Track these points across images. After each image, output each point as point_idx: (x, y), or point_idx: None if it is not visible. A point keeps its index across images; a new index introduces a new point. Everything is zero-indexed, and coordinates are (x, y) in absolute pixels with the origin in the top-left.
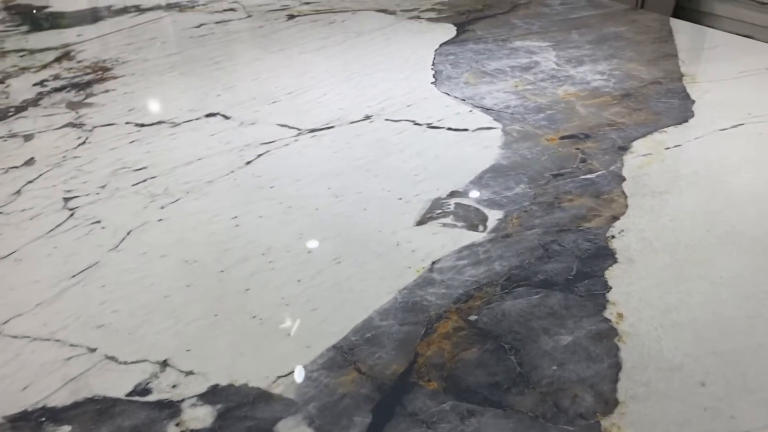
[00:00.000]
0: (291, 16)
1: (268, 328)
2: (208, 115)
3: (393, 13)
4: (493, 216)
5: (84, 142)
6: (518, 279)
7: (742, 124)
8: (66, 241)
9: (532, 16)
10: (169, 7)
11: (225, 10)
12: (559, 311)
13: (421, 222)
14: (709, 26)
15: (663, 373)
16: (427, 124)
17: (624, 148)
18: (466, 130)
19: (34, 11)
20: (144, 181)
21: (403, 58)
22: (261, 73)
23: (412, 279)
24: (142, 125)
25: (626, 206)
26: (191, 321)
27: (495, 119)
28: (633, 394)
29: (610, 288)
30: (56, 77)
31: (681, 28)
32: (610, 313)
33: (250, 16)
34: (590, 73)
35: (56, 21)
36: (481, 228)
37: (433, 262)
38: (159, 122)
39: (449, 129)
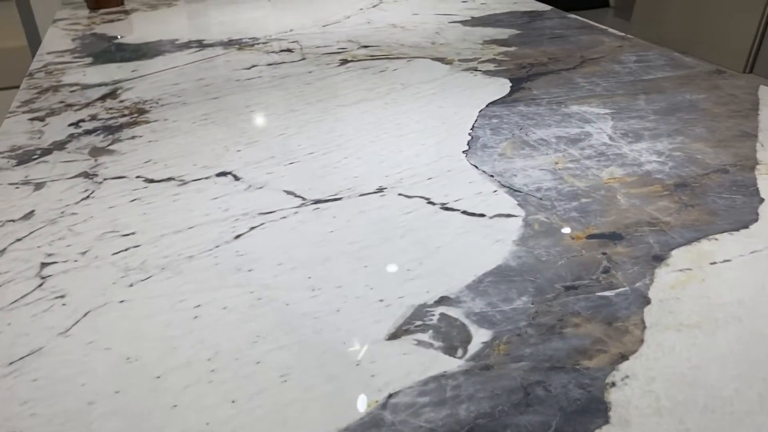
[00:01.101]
0: (344, 61)
1: None
2: (219, 174)
3: (450, 62)
4: (479, 337)
5: (88, 197)
6: None
7: None
8: (23, 317)
9: (599, 75)
10: (229, 44)
11: (282, 51)
12: None
13: (394, 335)
14: None
15: None
16: (442, 204)
17: (660, 258)
18: (482, 215)
19: (106, 42)
20: (126, 250)
21: (443, 118)
22: (290, 127)
23: (358, 417)
24: (151, 181)
25: (641, 341)
26: None
27: (520, 204)
28: None
29: None
30: (93, 118)
31: None
32: None
33: (303, 59)
34: (646, 152)
35: (120, 54)
36: (459, 353)
37: (390, 395)
38: (168, 179)
39: (464, 213)
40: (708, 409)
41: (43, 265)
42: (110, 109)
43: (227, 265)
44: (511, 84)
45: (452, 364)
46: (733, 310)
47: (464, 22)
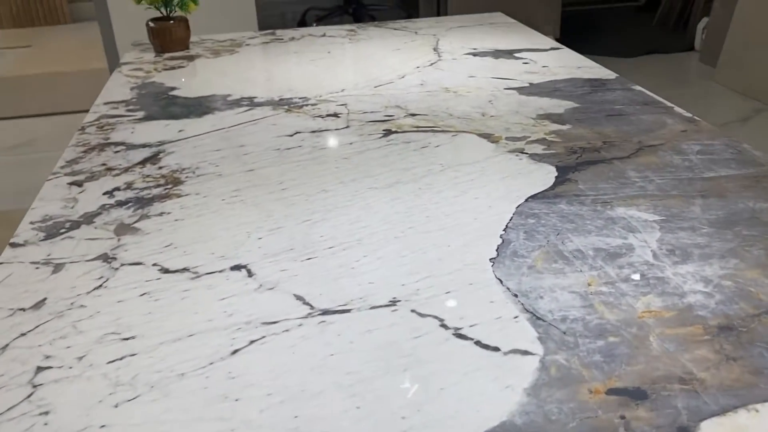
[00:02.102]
0: (387, 132)
1: None
2: (234, 268)
3: (496, 141)
4: None
5: (101, 286)
6: None
7: None
8: None
9: (654, 168)
10: (279, 104)
11: (328, 115)
12: None
13: None
14: None
15: None
16: (456, 329)
17: (684, 430)
18: (497, 350)
19: (161, 94)
20: (121, 359)
21: (476, 213)
22: (316, 212)
23: None
24: (166, 271)
25: None
26: None
27: (540, 337)
28: None
29: None
30: (129, 186)
31: None
32: None
33: (347, 127)
34: (692, 278)
35: (172, 109)
36: None
37: None
38: (183, 269)
39: (477, 344)
40: None
41: (39, 369)
42: (147, 176)
43: (216, 390)
44: (556, 173)
45: None
46: None
47: (520, 89)
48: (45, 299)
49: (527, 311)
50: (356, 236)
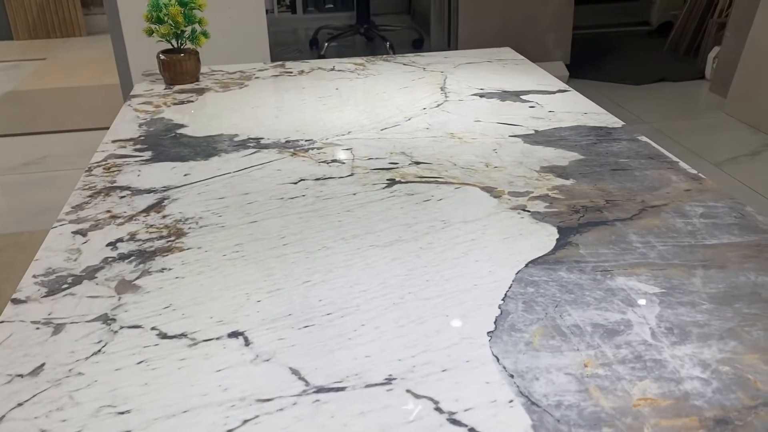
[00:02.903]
0: (391, 182)
1: None
2: (231, 335)
3: (499, 195)
4: None
5: (99, 351)
6: None
7: None
8: None
9: (657, 233)
10: (285, 146)
11: (333, 161)
12: None
13: None
14: None
15: None
16: (449, 413)
17: None
18: None
19: (169, 132)
20: None
21: (475, 279)
22: (316, 273)
23: None
24: (164, 336)
25: None
26: None
27: (534, 426)
28: None
29: None
30: (132, 237)
31: None
32: None
33: (351, 175)
34: (690, 362)
35: (179, 150)
36: None
37: None
38: (180, 335)
39: (471, 431)
40: None
41: None
42: (151, 227)
43: None
44: (558, 236)
45: None
46: None
47: (525, 137)
48: (43, 365)
49: (522, 395)
50: (355, 302)
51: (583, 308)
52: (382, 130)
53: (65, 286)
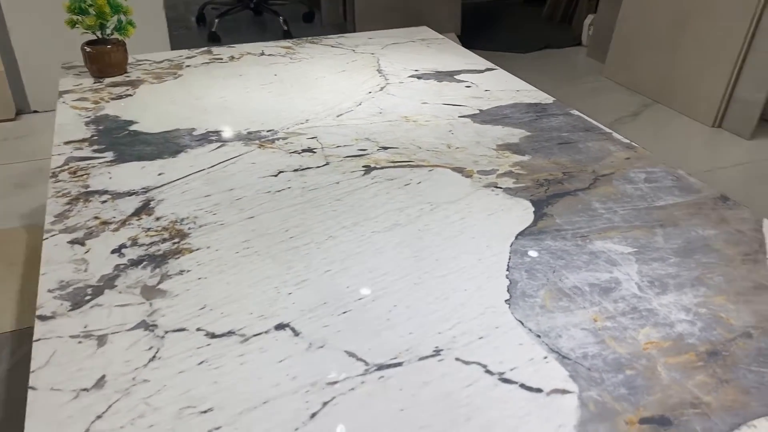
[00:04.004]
0: (368, 169)
1: None
2: (278, 327)
3: (470, 175)
4: None
5: (155, 357)
6: None
7: None
8: None
9: (614, 198)
10: (249, 139)
11: (303, 151)
12: None
13: None
14: None
15: None
16: (500, 374)
17: None
18: (540, 391)
19: (121, 129)
20: None
21: (478, 254)
22: (334, 262)
23: None
24: (213, 335)
25: None
26: None
27: (571, 376)
28: None
29: None
30: (134, 242)
31: None
32: None
33: (327, 164)
34: (675, 308)
35: (140, 148)
36: None
37: None
38: (229, 333)
39: (522, 386)
40: None
41: None
42: (149, 230)
43: None
44: (533, 208)
45: None
46: None
47: (473, 117)
48: (104, 377)
49: (553, 351)
50: (379, 285)
51: (576, 271)
52: (338, 116)
53: (88, 297)
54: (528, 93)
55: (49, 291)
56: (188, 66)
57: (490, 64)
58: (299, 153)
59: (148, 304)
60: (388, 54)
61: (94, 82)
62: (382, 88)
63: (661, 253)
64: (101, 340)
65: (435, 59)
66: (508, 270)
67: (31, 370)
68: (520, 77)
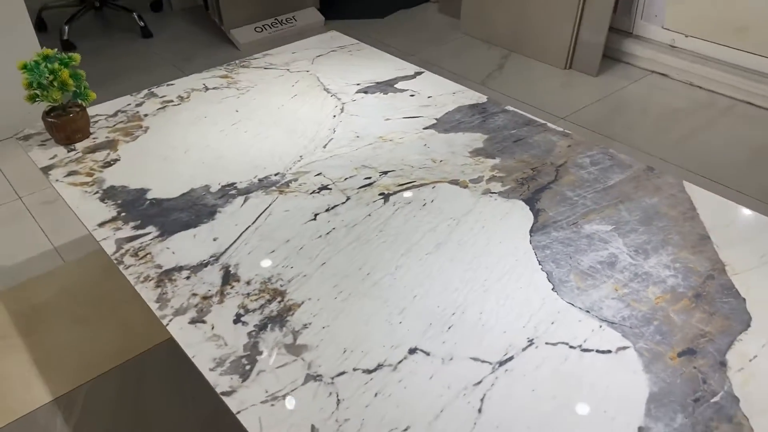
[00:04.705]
0: (384, 196)
1: None
2: (411, 352)
3: (465, 186)
4: None
5: (339, 401)
6: None
7: None
8: None
9: (578, 185)
10: (264, 186)
11: (321, 189)
12: None
13: None
14: (632, 65)
15: None
16: (579, 346)
17: (723, 363)
18: (609, 351)
19: (141, 199)
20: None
21: (514, 255)
22: (415, 288)
23: None
24: (368, 371)
25: (752, 430)
26: None
27: (623, 336)
28: None
29: None
30: (246, 309)
31: (698, 196)
32: None
33: (349, 199)
34: (660, 267)
35: (176, 217)
36: None
37: None
38: (379, 366)
39: (597, 351)
40: None
41: None
42: (249, 295)
43: None
44: (527, 207)
45: None
46: None
47: (435, 127)
48: (314, 426)
49: (602, 320)
50: (462, 299)
51: (584, 254)
52: (324, 147)
53: (248, 367)
54: (463, 94)
55: (211, 370)
56: (146, 115)
57: (416, 68)
58: (318, 192)
59: (300, 360)
60: (322, 69)
61: (68, 151)
62: (341, 110)
63: (631, 225)
64: (287, 398)
65: (366, 69)
66: (540, 264)
67: None
68: (389, 44)
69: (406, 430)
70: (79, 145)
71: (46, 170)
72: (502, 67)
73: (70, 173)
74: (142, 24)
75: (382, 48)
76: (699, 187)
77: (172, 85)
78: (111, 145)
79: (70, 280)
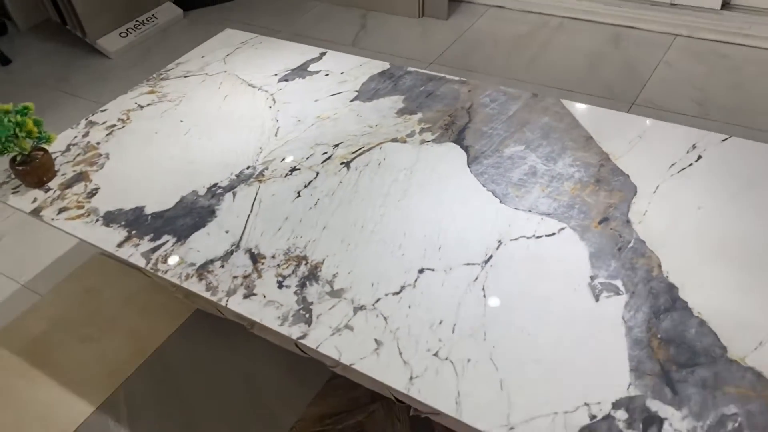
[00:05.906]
0: (345, 164)
1: None
2: (420, 272)
3: (404, 141)
4: None
5: (387, 323)
6: None
7: (665, 181)
8: None
9: (489, 120)
10: (244, 180)
11: (292, 170)
12: None
13: None
14: (474, 2)
15: None
16: (533, 236)
17: (628, 221)
18: (553, 234)
19: (145, 217)
20: None
21: (462, 185)
22: (401, 226)
23: None
24: (395, 293)
25: (657, 257)
26: None
27: (559, 221)
28: None
29: None
30: (283, 277)
31: (574, 109)
32: None
33: (318, 174)
34: (566, 167)
35: (183, 222)
36: None
37: None
38: (402, 287)
39: (546, 236)
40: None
41: None
42: (278, 266)
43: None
44: (458, 146)
45: None
46: (680, 218)
47: (358, 98)
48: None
49: (541, 214)
50: (441, 224)
51: (512, 170)
52: (276, 136)
53: (307, 315)
54: (368, 65)
55: (281, 326)
56: (98, 143)
57: (319, 49)
58: (291, 174)
59: (344, 299)
60: (237, 67)
61: (45, 192)
62: (273, 101)
63: (537, 141)
64: (347, 328)
65: (276, 59)
66: (483, 186)
67: None
68: (255, 24)
69: (440, 322)
70: (52, 184)
71: (36, 213)
72: (365, 27)
73: (61, 210)
74: (11, 26)
75: (249, 29)
76: (573, 101)
77: (105, 110)
78: (82, 177)
79: (57, 309)
